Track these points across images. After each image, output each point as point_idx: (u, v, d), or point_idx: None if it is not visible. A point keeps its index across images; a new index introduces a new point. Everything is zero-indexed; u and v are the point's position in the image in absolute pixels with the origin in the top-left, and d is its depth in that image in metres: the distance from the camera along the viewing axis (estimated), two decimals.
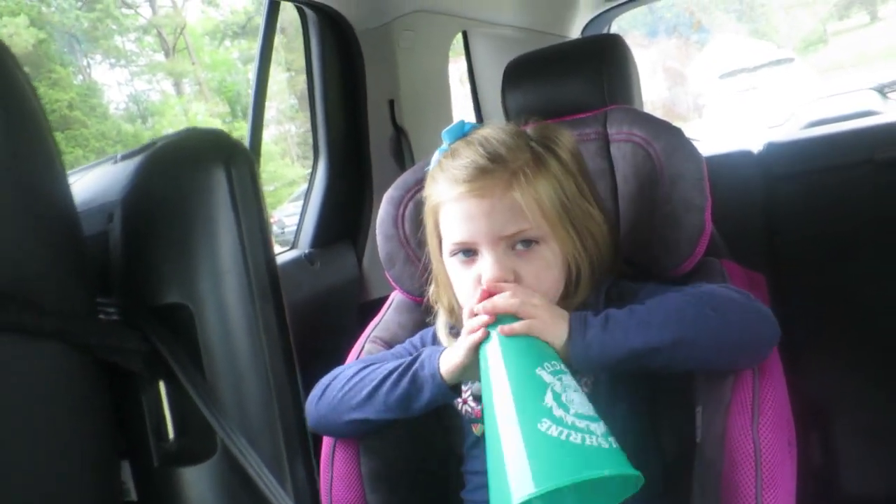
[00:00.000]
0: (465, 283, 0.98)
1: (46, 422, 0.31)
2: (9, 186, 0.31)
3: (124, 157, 0.39)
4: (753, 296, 0.95)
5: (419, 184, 1.19)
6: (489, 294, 0.92)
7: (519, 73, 1.35)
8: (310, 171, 1.62)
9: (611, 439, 0.75)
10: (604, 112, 1.24)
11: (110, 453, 0.37)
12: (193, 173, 0.38)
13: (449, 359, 0.95)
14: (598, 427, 0.75)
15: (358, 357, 1.21)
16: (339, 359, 1.20)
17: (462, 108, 2.05)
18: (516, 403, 0.78)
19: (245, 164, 0.39)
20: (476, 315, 0.91)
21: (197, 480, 0.37)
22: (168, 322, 0.37)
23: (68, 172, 0.39)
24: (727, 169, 1.57)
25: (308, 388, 1.10)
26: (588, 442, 0.73)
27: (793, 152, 1.58)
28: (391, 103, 1.65)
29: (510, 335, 0.87)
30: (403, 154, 1.66)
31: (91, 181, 0.41)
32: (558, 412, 0.75)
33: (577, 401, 0.78)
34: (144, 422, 0.37)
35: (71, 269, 0.34)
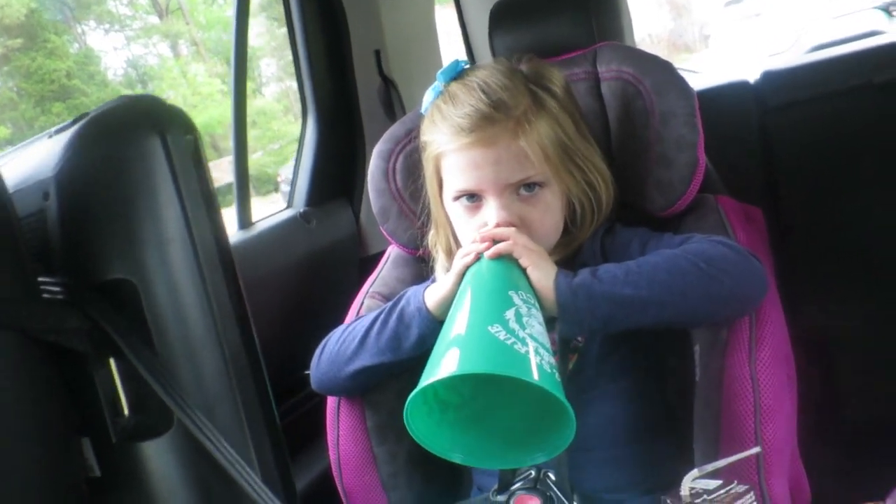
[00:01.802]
0: (468, 228, 0.98)
1: None
2: None
3: (58, 132, 0.38)
4: (744, 247, 0.94)
5: (409, 135, 1.17)
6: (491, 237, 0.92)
7: (505, 15, 1.31)
8: None
9: (555, 371, 0.75)
10: (593, 50, 1.20)
11: (67, 432, 0.36)
12: (127, 144, 0.36)
13: (435, 291, 0.95)
14: (548, 355, 0.76)
15: (357, 313, 1.21)
16: (343, 316, 1.20)
17: (457, 54, 2.01)
18: (476, 308, 0.80)
19: (181, 129, 0.38)
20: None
21: (156, 454, 0.37)
22: (114, 298, 0.36)
23: (3, 153, 0.37)
24: (723, 101, 1.53)
25: (314, 347, 1.10)
26: (530, 356, 0.74)
27: (789, 80, 1.53)
28: (377, 54, 1.62)
29: (495, 257, 0.88)
30: (393, 105, 1.63)
31: (26, 159, 0.39)
32: (513, 325, 0.76)
33: (538, 329, 0.78)
34: (99, 399, 0.37)
35: (3, 252, 0.33)
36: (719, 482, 0.75)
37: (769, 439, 0.90)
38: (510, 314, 0.77)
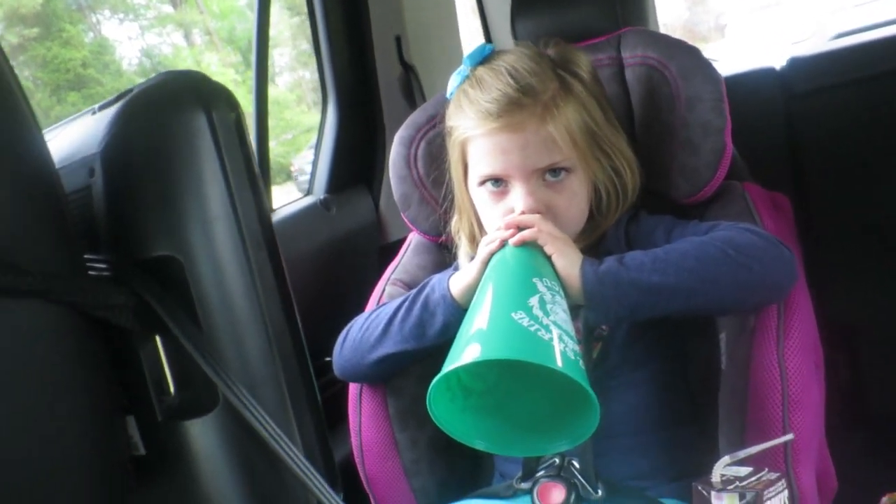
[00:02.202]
0: (494, 214, 0.97)
1: (33, 378, 0.31)
2: None
3: (102, 107, 0.38)
4: (773, 235, 0.93)
5: (430, 122, 1.16)
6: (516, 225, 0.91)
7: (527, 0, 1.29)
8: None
9: (579, 358, 0.75)
10: (617, 35, 1.19)
11: (112, 408, 0.36)
12: (172, 119, 0.36)
13: (459, 279, 0.95)
14: (571, 343, 0.75)
15: (379, 301, 1.20)
16: (363, 303, 1.19)
17: (475, 43, 1.99)
18: (501, 296, 0.79)
19: (227, 107, 0.37)
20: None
21: (201, 433, 0.37)
22: (159, 275, 0.36)
23: (49, 129, 0.37)
24: (748, 88, 1.51)
25: (335, 333, 1.10)
26: (554, 343, 0.73)
27: (815, 67, 1.50)
28: (398, 40, 1.61)
29: (519, 245, 0.87)
30: (413, 92, 1.62)
31: (71, 135, 0.39)
32: (537, 312, 0.75)
33: (562, 317, 0.77)
34: (145, 377, 0.36)
35: (51, 229, 0.33)
36: (749, 469, 0.74)
37: (797, 428, 0.89)
38: (534, 301, 0.77)
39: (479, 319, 0.78)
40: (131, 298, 0.34)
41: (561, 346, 0.73)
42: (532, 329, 0.73)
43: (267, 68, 1.41)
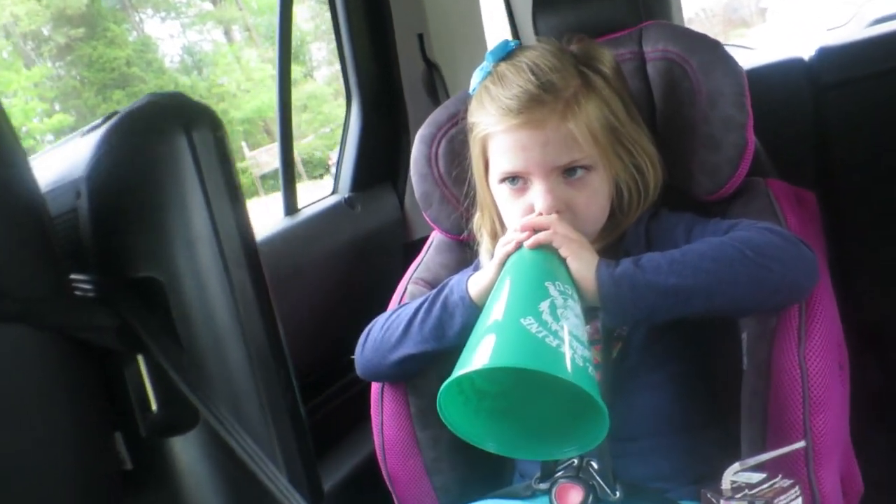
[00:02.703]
0: (513, 211, 0.97)
1: (15, 399, 0.32)
2: None
3: (89, 130, 0.39)
4: (794, 234, 0.91)
5: (451, 119, 1.17)
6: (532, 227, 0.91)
7: None
8: None
9: (588, 364, 0.74)
10: (639, 29, 1.17)
11: (100, 425, 0.38)
12: (154, 141, 0.37)
13: (478, 280, 0.95)
14: (581, 349, 0.75)
15: (401, 300, 1.21)
16: (387, 301, 1.20)
17: (502, 36, 1.98)
18: (511, 300, 0.79)
19: (207, 126, 0.38)
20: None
21: (184, 449, 0.38)
22: (142, 295, 0.37)
23: (40, 152, 0.38)
24: (775, 80, 1.47)
25: (360, 332, 1.11)
26: (562, 350, 0.73)
27: (845, 57, 1.45)
28: (420, 38, 1.61)
29: (534, 247, 0.87)
30: (437, 89, 1.63)
31: (59, 158, 0.40)
32: (547, 317, 0.75)
33: (573, 322, 0.77)
34: (129, 394, 0.38)
35: (34, 253, 0.34)
36: (763, 475, 0.73)
37: (819, 430, 0.88)
38: (544, 306, 0.76)
39: (489, 324, 0.78)
40: (114, 319, 0.35)
41: (570, 352, 0.73)
42: (540, 335, 0.73)
43: (290, 70, 1.43)
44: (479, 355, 0.74)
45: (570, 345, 0.73)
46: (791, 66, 1.50)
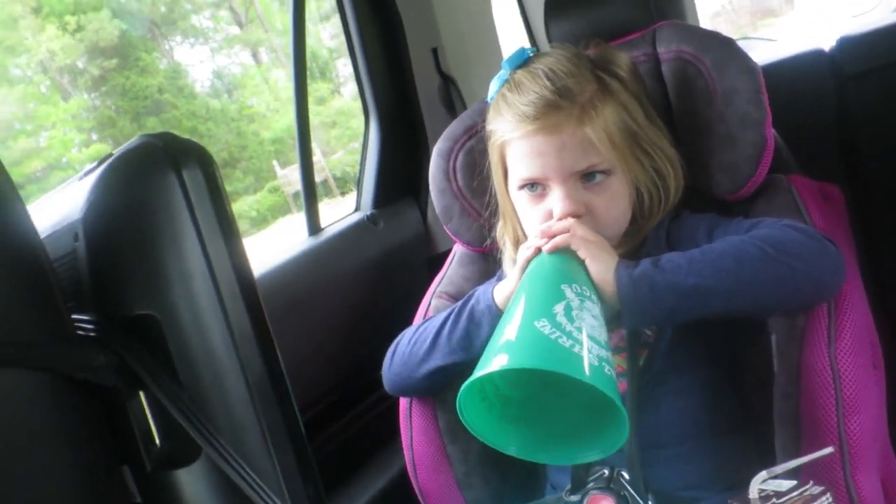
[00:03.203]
0: (533, 217, 0.97)
1: (24, 441, 0.33)
2: None
3: (86, 174, 0.40)
4: (818, 230, 0.88)
5: (468, 132, 1.17)
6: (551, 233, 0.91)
7: (560, 1, 1.28)
8: None
9: (605, 364, 0.73)
10: (652, 31, 1.16)
11: (107, 460, 0.38)
12: (146, 182, 0.38)
13: (502, 287, 0.95)
14: (597, 348, 0.74)
15: (426, 314, 1.21)
16: (413, 316, 1.21)
17: (520, 45, 1.98)
18: (527, 303, 0.79)
19: (196, 163, 0.39)
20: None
21: (189, 481, 0.38)
22: (140, 333, 0.38)
23: (43, 197, 0.39)
24: (796, 73, 1.43)
25: (386, 348, 1.12)
26: (577, 350, 0.72)
27: (867, 46, 1.41)
28: (434, 52, 1.62)
29: (553, 251, 0.86)
30: (454, 102, 1.63)
31: (58, 202, 0.41)
32: (561, 319, 0.74)
33: (589, 322, 0.76)
34: (133, 429, 0.38)
35: (33, 298, 0.35)
36: (793, 483, 0.71)
37: (854, 433, 0.85)
38: (559, 308, 0.76)
39: (505, 329, 0.78)
40: (113, 358, 0.36)
41: (584, 352, 0.72)
42: (553, 336, 0.73)
43: (306, 93, 1.44)
44: (493, 359, 0.74)
45: (585, 345, 0.73)
46: (812, 58, 1.46)
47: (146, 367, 0.36)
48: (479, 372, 0.74)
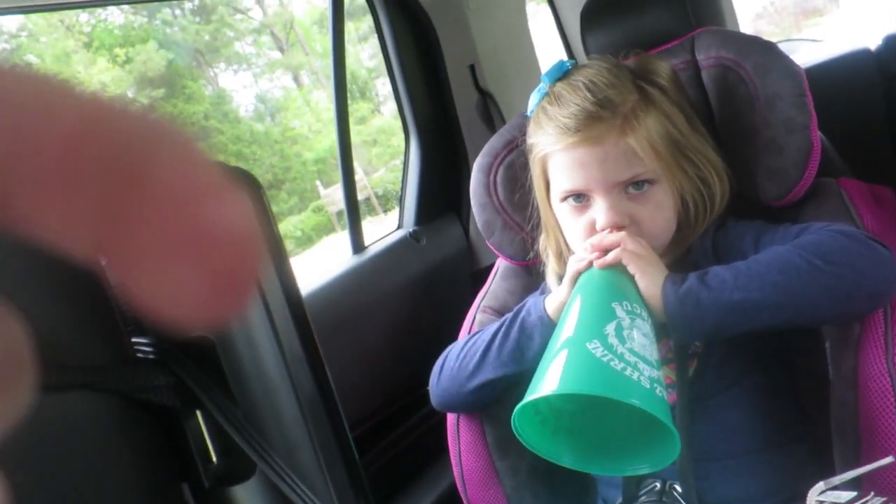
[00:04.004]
0: (576, 229, 0.97)
1: (90, 460, 0.34)
2: (25, 257, 0.33)
3: None
4: (869, 235, 0.86)
5: (507, 146, 1.18)
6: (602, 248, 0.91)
7: (596, 13, 1.28)
8: None
9: (657, 385, 0.73)
10: (690, 38, 1.15)
11: (167, 478, 0.40)
12: None
13: (554, 298, 0.95)
14: (649, 369, 0.74)
15: (470, 329, 1.22)
16: (458, 331, 1.21)
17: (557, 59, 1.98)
18: (578, 324, 0.79)
19: (248, 188, 0.40)
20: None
21: (245, 497, 0.39)
22: (197, 355, 0.39)
23: None
24: (842, 74, 1.40)
25: (432, 364, 1.13)
26: (628, 373, 0.72)
27: None
28: (472, 68, 1.63)
29: (603, 268, 0.86)
30: (493, 117, 1.64)
31: None
32: (612, 340, 0.75)
33: (640, 342, 0.76)
34: (191, 448, 0.40)
35: (95, 324, 0.36)
36: (852, 494, 0.69)
37: None
38: (610, 328, 0.76)
39: (557, 348, 0.79)
40: (172, 379, 0.38)
41: (636, 375, 0.72)
42: (605, 359, 0.73)
43: (347, 113, 1.47)
44: (546, 381, 0.74)
45: (637, 367, 0.73)
46: (858, 58, 1.43)
47: (203, 388, 0.37)
48: (532, 395, 0.75)
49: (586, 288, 0.87)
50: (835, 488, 0.69)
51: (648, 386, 0.72)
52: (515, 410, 0.77)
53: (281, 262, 0.40)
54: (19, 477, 0.31)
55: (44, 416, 0.33)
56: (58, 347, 0.34)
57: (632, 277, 0.87)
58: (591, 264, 0.88)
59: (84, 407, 0.35)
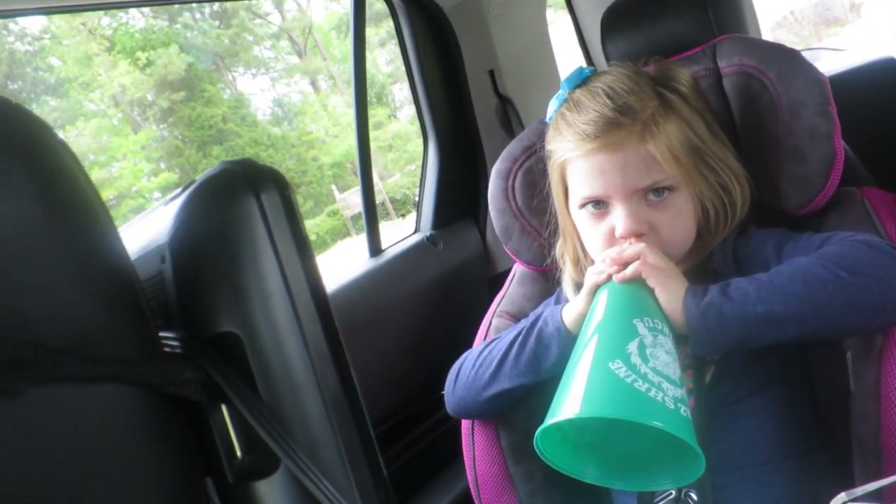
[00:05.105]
0: (595, 236, 0.96)
1: (113, 454, 0.34)
2: (59, 253, 0.34)
3: (171, 199, 0.42)
4: (894, 245, 0.85)
5: (526, 152, 1.18)
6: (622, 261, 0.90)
7: (616, 19, 1.28)
8: None
9: (681, 405, 0.72)
10: (712, 45, 1.15)
11: (192, 472, 0.40)
12: (227, 207, 0.40)
13: (571, 309, 0.94)
14: (672, 388, 0.73)
15: (486, 334, 1.22)
16: (474, 335, 1.21)
17: (576, 64, 1.98)
18: (600, 342, 0.79)
19: (274, 189, 0.40)
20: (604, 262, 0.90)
21: (268, 493, 0.40)
22: (224, 350, 0.39)
23: (130, 221, 0.42)
24: (866, 83, 1.39)
25: (448, 368, 1.13)
26: (652, 394, 0.72)
27: None
28: (492, 74, 1.64)
29: (623, 282, 0.86)
30: (512, 123, 1.64)
31: (147, 226, 0.44)
32: (635, 359, 0.74)
33: (663, 360, 0.75)
34: (216, 442, 0.40)
35: (125, 317, 0.37)
36: None
37: None
38: (633, 346, 0.76)
39: (579, 367, 0.78)
40: (198, 373, 0.38)
41: (660, 395, 0.72)
42: (629, 380, 0.72)
43: (367, 117, 1.48)
44: (568, 403, 0.74)
45: (661, 387, 0.72)
46: (881, 67, 1.42)
47: (229, 383, 0.38)
48: (555, 418, 0.74)
49: (606, 303, 0.86)
50: (856, 499, 0.68)
51: (673, 407, 0.71)
52: (537, 433, 0.76)
53: (307, 260, 0.41)
54: (52, 465, 0.31)
55: (76, 407, 0.34)
56: (89, 341, 0.34)
57: (651, 291, 0.86)
58: (609, 278, 0.87)
59: (113, 399, 0.35)
